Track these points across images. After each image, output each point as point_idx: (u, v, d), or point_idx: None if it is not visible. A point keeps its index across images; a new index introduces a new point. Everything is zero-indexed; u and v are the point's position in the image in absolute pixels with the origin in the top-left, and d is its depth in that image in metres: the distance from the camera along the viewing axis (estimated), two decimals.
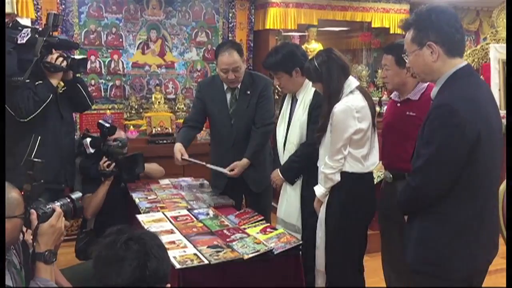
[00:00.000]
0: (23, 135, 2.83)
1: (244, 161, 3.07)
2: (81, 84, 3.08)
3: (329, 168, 2.51)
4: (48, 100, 2.80)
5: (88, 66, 4.59)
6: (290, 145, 2.84)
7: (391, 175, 2.75)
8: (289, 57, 2.81)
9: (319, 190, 2.58)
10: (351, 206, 2.54)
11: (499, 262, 2.34)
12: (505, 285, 2.66)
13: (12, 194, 1.71)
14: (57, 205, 1.84)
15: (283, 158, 2.88)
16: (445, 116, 1.74)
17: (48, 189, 1.96)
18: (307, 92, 2.81)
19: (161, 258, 1.36)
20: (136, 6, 4.79)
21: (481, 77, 4.90)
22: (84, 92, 3.07)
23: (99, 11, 4.67)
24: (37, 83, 2.78)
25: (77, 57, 2.97)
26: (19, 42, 2.76)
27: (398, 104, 2.73)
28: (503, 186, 2.62)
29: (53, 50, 2.84)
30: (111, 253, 1.33)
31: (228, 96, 3.15)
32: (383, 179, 2.88)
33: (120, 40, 4.78)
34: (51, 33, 2.85)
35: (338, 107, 2.46)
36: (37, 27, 2.92)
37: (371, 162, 2.58)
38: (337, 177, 2.52)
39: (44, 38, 2.77)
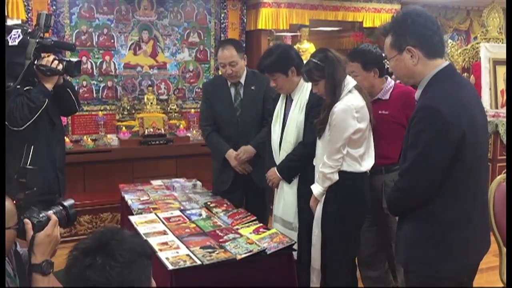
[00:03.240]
0: (16, 146, 2.66)
1: (249, 148, 3.14)
2: (70, 88, 2.92)
3: (328, 168, 2.51)
4: (44, 107, 2.64)
5: None
6: (286, 144, 2.84)
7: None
8: (284, 56, 2.81)
9: (317, 189, 2.58)
10: (348, 205, 2.54)
11: (491, 260, 2.35)
12: (498, 283, 2.68)
13: (5, 204, 1.64)
14: (50, 213, 1.76)
15: (279, 157, 2.88)
16: (429, 118, 1.75)
17: (41, 201, 1.87)
18: (303, 92, 2.81)
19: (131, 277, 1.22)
20: (128, 6, 4.77)
21: (472, 76, 4.93)
22: (73, 97, 2.90)
23: (90, 12, 4.65)
24: (26, 88, 2.62)
25: (72, 59, 2.82)
26: (10, 44, 2.58)
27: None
28: (494, 184, 2.64)
29: (41, 53, 2.66)
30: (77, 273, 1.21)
31: (233, 91, 3.25)
32: None
33: (112, 41, 4.76)
34: (42, 35, 2.70)
35: (338, 107, 2.47)
36: (25, 27, 2.79)
37: (367, 162, 2.58)
38: (336, 177, 2.52)
39: (37, 40, 2.62)
